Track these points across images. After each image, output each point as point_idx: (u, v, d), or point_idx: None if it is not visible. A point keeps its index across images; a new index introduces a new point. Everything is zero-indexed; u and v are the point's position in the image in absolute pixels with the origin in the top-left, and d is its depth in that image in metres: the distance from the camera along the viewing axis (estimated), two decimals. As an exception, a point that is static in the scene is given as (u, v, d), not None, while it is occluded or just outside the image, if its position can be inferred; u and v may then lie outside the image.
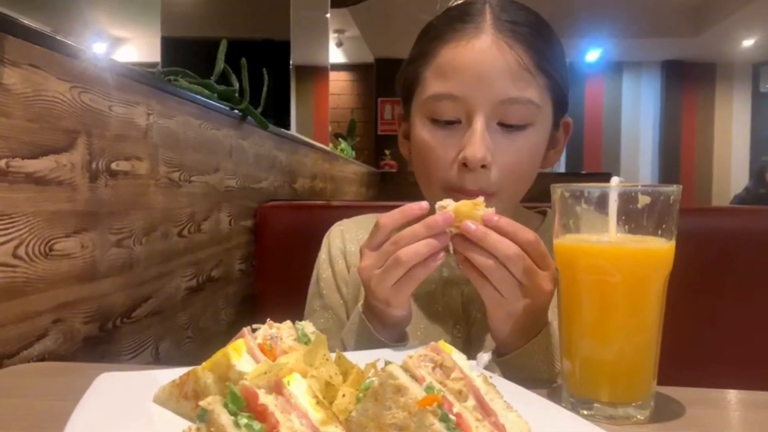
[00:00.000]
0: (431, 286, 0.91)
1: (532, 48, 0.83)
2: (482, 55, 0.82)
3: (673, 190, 0.60)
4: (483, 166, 0.81)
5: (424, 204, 0.73)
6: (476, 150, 0.80)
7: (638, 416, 0.59)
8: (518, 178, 0.86)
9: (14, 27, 0.75)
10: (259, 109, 1.68)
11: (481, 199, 0.70)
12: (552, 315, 0.74)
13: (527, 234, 0.69)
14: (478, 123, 0.81)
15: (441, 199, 0.71)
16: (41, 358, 0.80)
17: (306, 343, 0.57)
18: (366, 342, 0.77)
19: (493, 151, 0.82)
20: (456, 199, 0.71)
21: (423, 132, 0.86)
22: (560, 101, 0.88)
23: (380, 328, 0.77)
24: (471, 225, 0.67)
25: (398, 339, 0.78)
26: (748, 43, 7.54)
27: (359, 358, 0.52)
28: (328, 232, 1.03)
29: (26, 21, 0.78)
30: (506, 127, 0.83)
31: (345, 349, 0.79)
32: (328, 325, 0.95)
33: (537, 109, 0.83)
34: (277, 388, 0.44)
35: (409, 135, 0.91)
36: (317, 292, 0.99)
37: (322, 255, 1.01)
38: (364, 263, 0.73)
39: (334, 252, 0.99)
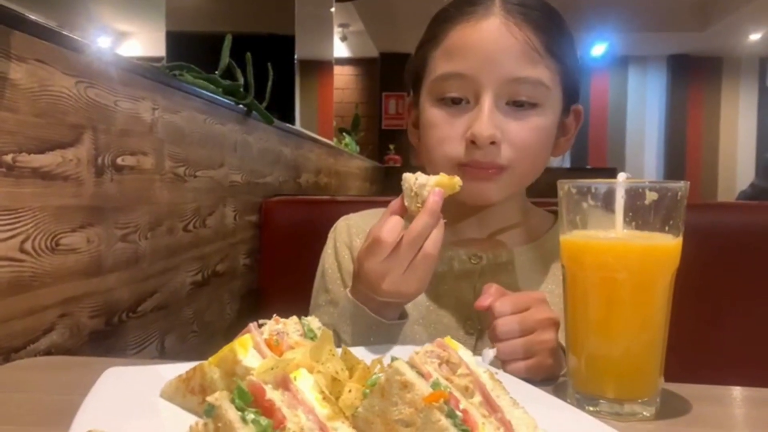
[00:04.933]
0: (442, 282, 0.91)
1: (542, 30, 0.83)
2: (490, 34, 0.83)
3: (681, 186, 0.59)
4: (492, 143, 0.82)
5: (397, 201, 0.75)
6: (484, 127, 0.81)
7: (644, 413, 0.59)
8: (529, 156, 0.86)
9: (20, 22, 0.75)
10: (264, 104, 1.68)
11: (457, 178, 0.73)
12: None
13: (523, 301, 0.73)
14: (487, 101, 0.82)
15: None
16: (48, 352, 0.80)
17: (312, 339, 0.57)
18: (366, 327, 0.77)
19: (502, 129, 0.82)
20: (462, 174, 0.75)
21: (431, 112, 0.87)
22: (570, 87, 0.89)
23: (384, 311, 0.77)
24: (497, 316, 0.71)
25: (401, 316, 0.80)
26: (755, 37, 7.48)
27: (365, 353, 0.53)
28: (333, 226, 1.03)
29: (32, 16, 0.78)
30: (515, 106, 0.84)
31: (340, 338, 0.79)
32: (333, 319, 0.95)
33: (546, 90, 0.84)
34: (283, 383, 0.44)
35: (417, 123, 0.92)
36: (323, 286, 0.99)
37: (328, 249, 1.01)
38: (382, 276, 0.72)
39: (340, 246, 0.99)
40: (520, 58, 0.82)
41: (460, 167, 0.84)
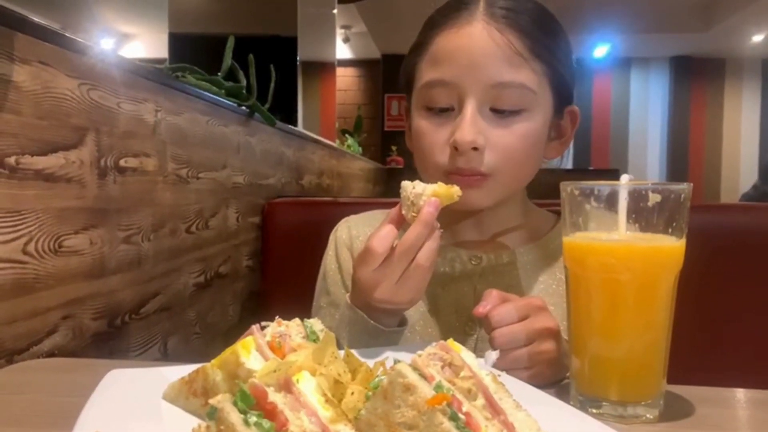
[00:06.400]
0: (443, 283, 0.91)
1: (526, 33, 0.83)
2: (472, 40, 0.83)
3: (684, 188, 0.59)
4: (475, 149, 0.81)
5: (395, 209, 0.74)
6: (465, 133, 0.80)
7: (648, 415, 0.59)
8: (515, 162, 0.85)
9: (23, 24, 0.75)
10: (267, 106, 1.68)
11: (456, 187, 0.71)
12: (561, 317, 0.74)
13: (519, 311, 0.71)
14: (469, 107, 0.82)
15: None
16: (51, 354, 0.80)
17: (314, 341, 0.57)
18: (364, 334, 0.77)
19: (486, 135, 0.82)
20: (449, 182, 0.73)
21: (419, 120, 0.87)
22: (562, 89, 0.88)
23: (382, 318, 0.77)
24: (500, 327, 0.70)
25: (400, 323, 0.79)
26: (758, 38, 7.47)
27: (367, 356, 0.52)
28: (334, 229, 1.03)
29: (35, 18, 0.78)
30: (499, 112, 0.83)
31: (338, 345, 0.78)
32: (334, 322, 0.95)
33: (532, 94, 0.83)
34: (286, 386, 0.44)
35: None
36: (324, 288, 0.99)
37: (329, 252, 1.01)
38: (374, 286, 0.71)
39: (341, 248, 0.99)
40: (502, 62, 0.81)
41: (447, 175, 0.83)
